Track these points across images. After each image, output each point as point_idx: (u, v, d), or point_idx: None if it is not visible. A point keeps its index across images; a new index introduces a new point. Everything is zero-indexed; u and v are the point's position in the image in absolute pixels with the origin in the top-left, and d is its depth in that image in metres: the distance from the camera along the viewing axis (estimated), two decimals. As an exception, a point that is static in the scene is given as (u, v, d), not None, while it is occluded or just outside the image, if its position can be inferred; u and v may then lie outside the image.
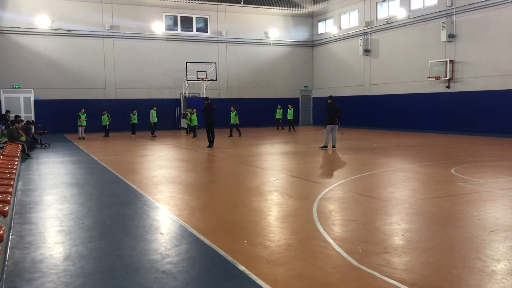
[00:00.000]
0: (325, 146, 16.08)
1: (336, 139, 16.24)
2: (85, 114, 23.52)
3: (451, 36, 24.19)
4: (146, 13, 30.44)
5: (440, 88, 25.35)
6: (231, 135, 23.37)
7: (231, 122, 24.08)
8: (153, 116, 24.43)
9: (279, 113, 29.14)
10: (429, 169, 10.94)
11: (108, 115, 24.24)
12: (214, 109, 17.60)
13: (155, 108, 24.96)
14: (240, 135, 23.58)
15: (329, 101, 16.25)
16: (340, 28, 32.97)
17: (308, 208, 7.04)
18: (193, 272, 4.48)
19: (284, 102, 31.47)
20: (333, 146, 16.03)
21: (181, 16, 31.81)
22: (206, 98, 18.27)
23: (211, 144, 17.37)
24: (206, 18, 32.49)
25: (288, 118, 27.61)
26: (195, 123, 23.62)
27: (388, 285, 4.06)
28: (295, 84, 35.69)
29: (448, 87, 24.82)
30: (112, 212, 7.11)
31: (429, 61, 25.24)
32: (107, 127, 24.18)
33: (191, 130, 24.08)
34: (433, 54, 25.37)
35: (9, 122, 20.15)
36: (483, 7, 22.61)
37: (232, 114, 23.98)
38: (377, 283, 4.12)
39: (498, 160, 12.56)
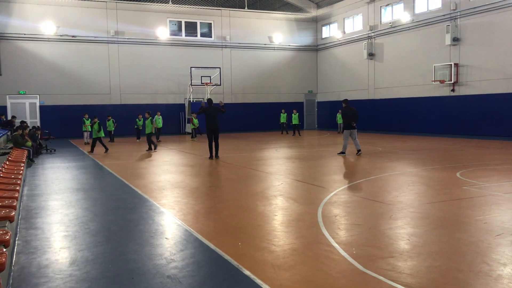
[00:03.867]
0: (343, 152, 15.17)
1: (359, 143, 15.31)
2: (89, 120, 23.61)
3: (455, 40, 24.15)
4: (151, 18, 30.60)
5: (444, 91, 25.29)
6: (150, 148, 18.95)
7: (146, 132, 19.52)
8: (158, 121, 24.50)
9: (283, 118, 29.16)
10: (435, 173, 10.90)
11: (113, 121, 24.35)
12: (215, 112, 15.02)
13: (159, 113, 25.03)
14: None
15: (344, 105, 15.40)
16: (344, 32, 33.01)
17: (313, 212, 7.03)
18: (198, 277, 4.48)
19: (289, 106, 31.49)
20: (359, 151, 15.06)
21: (185, 22, 31.96)
22: (208, 101, 15.58)
23: (212, 156, 15.03)
24: (210, 23, 32.62)
25: (293, 123, 27.61)
26: (196, 125, 25.58)
27: (394, 290, 4.05)
28: (299, 88, 35.71)
29: (453, 90, 24.76)
30: (118, 217, 7.13)
31: (434, 65, 25.20)
32: (112, 133, 24.28)
33: (196, 132, 25.82)
34: (437, 57, 25.32)
35: (14, 128, 20.25)
36: (488, 11, 22.57)
37: (147, 122, 19.33)
38: (383, 287, 4.10)
39: (503, 163, 12.50)
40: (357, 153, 15.08)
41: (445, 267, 4.57)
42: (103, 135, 18.31)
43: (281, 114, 29.38)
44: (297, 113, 27.85)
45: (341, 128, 28.30)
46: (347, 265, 4.68)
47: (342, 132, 15.47)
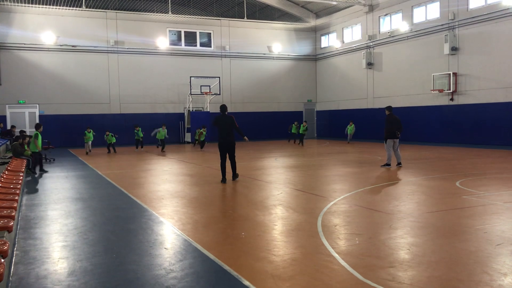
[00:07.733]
0: (389, 164, 14.07)
1: (400, 155, 14.32)
2: (91, 132, 23.30)
3: (454, 49, 24.27)
4: (150, 28, 30.74)
5: (443, 100, 25.35)
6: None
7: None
8: (161, 133, 24.39)
9: (294, 128, 29.37)
10: (434, 182, 10.89)
11: (111, 134, 23.90)
12: (229, 123, 11.91)
13: (164, 127, 24.75)
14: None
15: (387, 112, 14.36)
16: (343, 42, 33.16)
17: (313, 222, 7.01)
18: (197, 287, 4.46)
19: (288, 116, 31.66)
20: (399, 163, 14.12)
21: (185, 31, 32.11)
22: (221, 108, 12.29)
23: (225, 179, 11.80)
24: (210, 33, 32.77)
25: (300, 132, 27.75)
26: (202, 138, 25.45)
27: (394, 300, 4.03)
28: (298, 97, 35.80)
29: (451, 99, 24.82)
30: (116, 227, 7.10)
31: (432, 74, 25.30)
32: (113, 143, 23.84)
33: (201, 145, 25.36)
34: (436, 67, 25.43)
35: (13, 138, 20.24)
36: (486, 20, 22.71)
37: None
38: (383, 298, 4.08)
39: (503, 172, 12.50)
40: (397, 165, 14.10)
41: (446, 277, 4.55)
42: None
43: (293, 125, 29.69)
44: (306, 125, 28.19)
45: (350, 137, 28.35)
46: (347, 275, 4.66)
47: (385, 142, 14.24)
